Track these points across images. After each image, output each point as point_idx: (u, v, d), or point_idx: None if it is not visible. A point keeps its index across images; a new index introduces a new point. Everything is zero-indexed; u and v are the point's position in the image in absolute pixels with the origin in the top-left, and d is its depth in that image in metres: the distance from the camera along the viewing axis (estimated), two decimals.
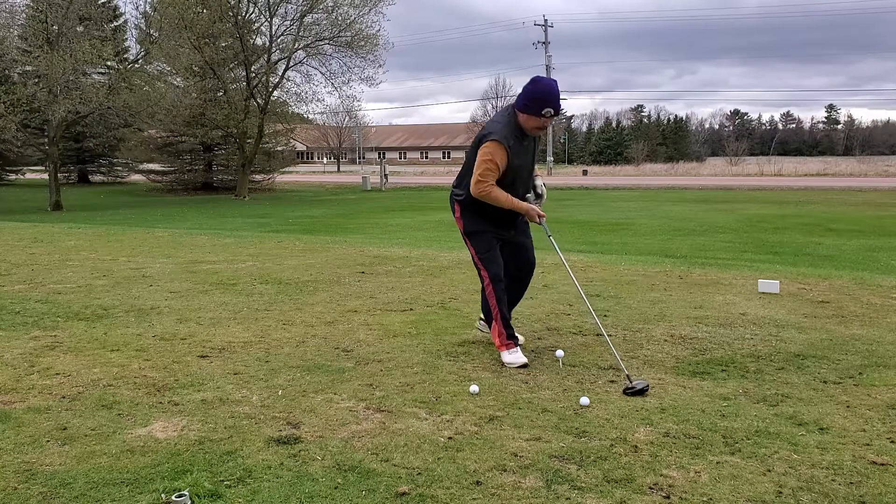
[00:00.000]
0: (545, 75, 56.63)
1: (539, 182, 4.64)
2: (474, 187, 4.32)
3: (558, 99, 4.25)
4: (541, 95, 4.17)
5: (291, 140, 38.30)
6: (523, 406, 3.48)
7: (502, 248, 4.55)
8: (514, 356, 4.20)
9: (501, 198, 4.28)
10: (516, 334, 4.37)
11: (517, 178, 4.38)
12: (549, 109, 4.17)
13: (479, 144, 4.34)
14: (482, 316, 4.69)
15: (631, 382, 3.70)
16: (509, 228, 4.58)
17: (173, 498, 2.51)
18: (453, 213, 4.68)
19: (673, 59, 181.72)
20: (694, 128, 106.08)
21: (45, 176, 27.82)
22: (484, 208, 4.40)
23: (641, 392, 3.64)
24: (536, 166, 4.69)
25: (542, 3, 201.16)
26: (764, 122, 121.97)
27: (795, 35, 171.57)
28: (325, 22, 26.86)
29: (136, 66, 26.32)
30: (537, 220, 4.44)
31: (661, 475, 2.73)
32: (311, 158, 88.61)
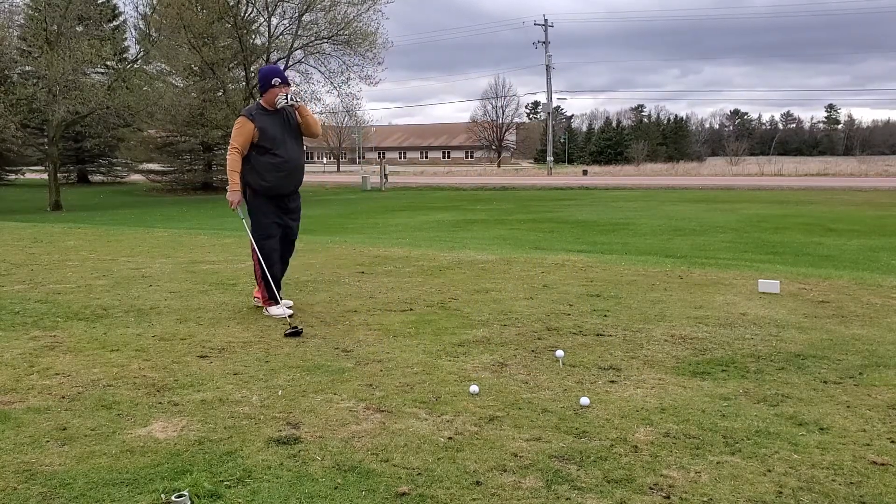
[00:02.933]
0: (545, 75, 55.91)
1: None
2: None
3: (280, 73, 5.49)
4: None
5: None
6: (523, 406, 3.48)
7: None
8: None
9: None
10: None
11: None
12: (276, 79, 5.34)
13: None
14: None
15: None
16: None
17: (173, 498, 2.51)
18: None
19: (678, 59, 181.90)
20: (694, 128, 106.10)
21: (45, 176, 27.84)
22: None
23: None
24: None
25: (550, 2, 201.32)
26: (764, 121, 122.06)
27: (801, 34, 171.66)
28: (323, 21, 26.88)
29: (136, 65, 26.30)
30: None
31: (662, 475, 2.73)
32: (311, 158, 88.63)
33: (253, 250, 5.54)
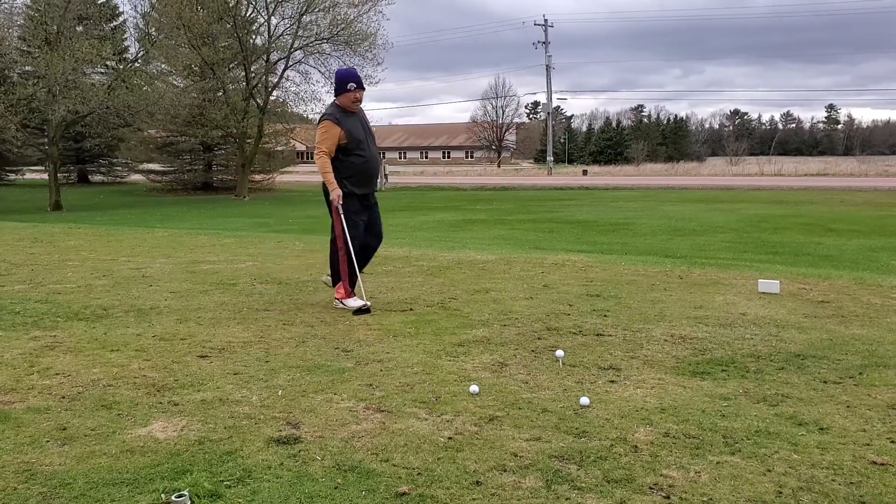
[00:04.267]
0: (545, 75, 55.86)
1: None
2: None
3: (355, 76, 5.59)
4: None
5: (291, 140, 38.27)
6: (523, 406, 3.48)
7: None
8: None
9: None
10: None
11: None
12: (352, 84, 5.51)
13: None
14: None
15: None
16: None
17: (173, 498, 2.51)
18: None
19: (679, 59, 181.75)
20: (694, 128, 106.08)
21: (45, 176, 27.84)
22: None
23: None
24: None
25: (551, 2, 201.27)
26: (764, 121, 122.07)
27: (803, 34, 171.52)
28: (323, 21, 26.88)
29: (136, 65, 26.30)
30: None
31: (661, 475, 2.73)
32: (311, 158, 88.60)
33: (337, 249, 5.65)
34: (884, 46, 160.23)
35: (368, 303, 5.60)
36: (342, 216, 5.63)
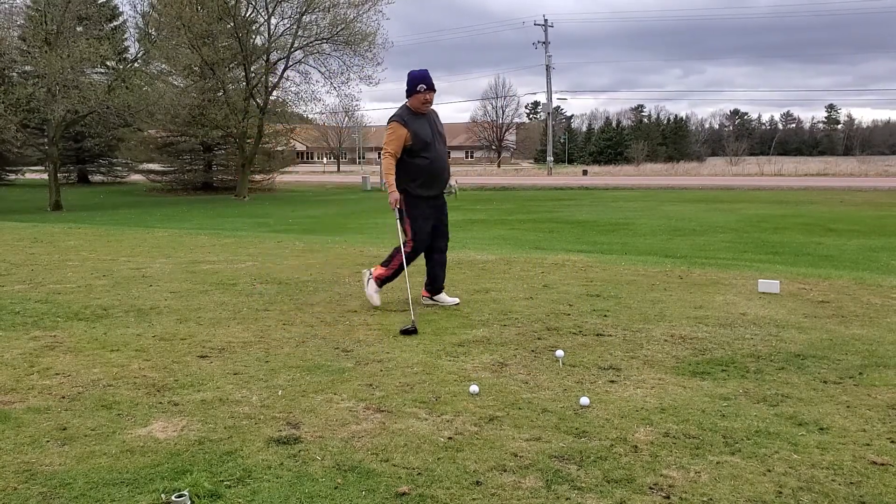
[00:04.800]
0: (545, 75, 55.95)
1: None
2: None
3: (426, 78, 5.50)
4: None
5: (291, 140, 38.30)
6: (523, 406, 3.48)
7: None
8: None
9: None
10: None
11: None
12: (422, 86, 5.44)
13: None
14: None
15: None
16: None
17: (173, 498, 2.51)
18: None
19: (680, 59, 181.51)
20: (694, 128, 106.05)
21: (45, 176, 27.84)
22: None
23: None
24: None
25: (553, 2, 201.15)
26: (764, 121, 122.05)
27: (803, 34, 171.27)
28: (323, 21, 26.88)
29: (136, 65, 26.30)
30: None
31: (661, 475, 2.73)
32: (311, 158, 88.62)
33: (402, 248, 5.66)
34: (884, 46, 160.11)
35: (378, 303, 5.66)
36: (407, 219, 5.62)
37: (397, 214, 5.68)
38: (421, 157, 5.53)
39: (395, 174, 5.57)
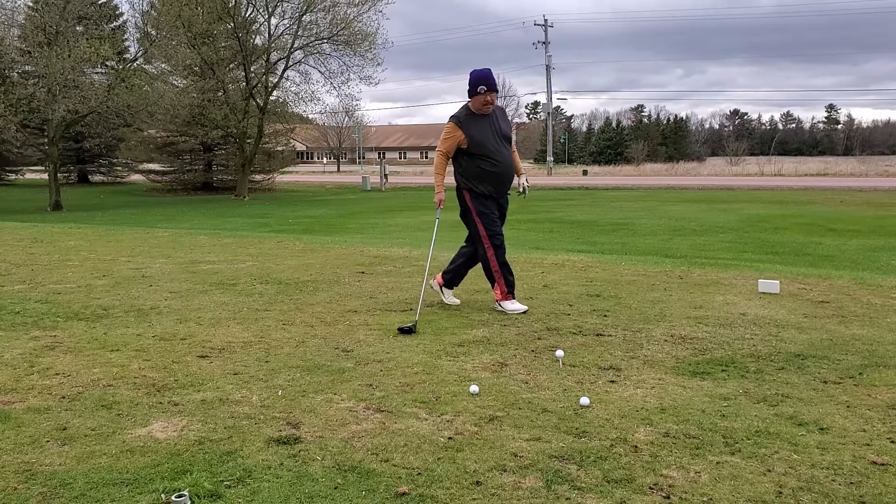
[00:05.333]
0: (545, 75, 55.92)
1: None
2: None
3: (486, 78, 5.40)
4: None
5: (291, 140, 38.29)
6: (523, 406, 3.48)
7: None
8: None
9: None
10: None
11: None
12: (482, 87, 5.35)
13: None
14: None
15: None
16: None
17: (173, 498, 2.51)
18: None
19: (682, 59, 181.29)
20: (694, 128, 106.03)
21: (45, 176, 27.83)
22: None
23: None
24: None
25: (554, 2, 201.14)
26: (764, 121, 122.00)
27: (806, 34, 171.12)
28: (323, 21, 26.89)
29: (136, 65, 26.29)
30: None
31: (661, 475, 2.73)
32: (311, 158, 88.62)
33: (485, 250, 5.56)
34: (886, 46, 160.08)
35: (524, 308, 5.50)
36: (477, 218, 5.54)
37: (438, 214, 5.68)
38: (479, 158, 5.45)
39: (459, 173, 5.55)
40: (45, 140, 25.61)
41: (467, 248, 5.77)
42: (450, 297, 5.80)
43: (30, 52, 22.86)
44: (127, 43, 30.67)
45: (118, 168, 42.60)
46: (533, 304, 5.77)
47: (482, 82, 5.39)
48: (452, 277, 5.79)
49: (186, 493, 2.53)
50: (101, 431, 3.20)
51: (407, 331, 4.87)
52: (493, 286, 5.62)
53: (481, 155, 5.44)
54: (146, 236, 11.52)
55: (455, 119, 5.48)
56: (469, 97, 5.49)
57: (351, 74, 27.93)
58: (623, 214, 16.64)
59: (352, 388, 3.76)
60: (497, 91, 5.48)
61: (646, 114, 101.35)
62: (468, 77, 5.47)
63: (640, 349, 4.46)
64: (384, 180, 33.48)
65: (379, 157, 58.73)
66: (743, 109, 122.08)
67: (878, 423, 3.23)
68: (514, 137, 5.69)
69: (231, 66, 28.16)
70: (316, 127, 62.94)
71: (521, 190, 5.78)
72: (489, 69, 5.47)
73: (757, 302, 5.79)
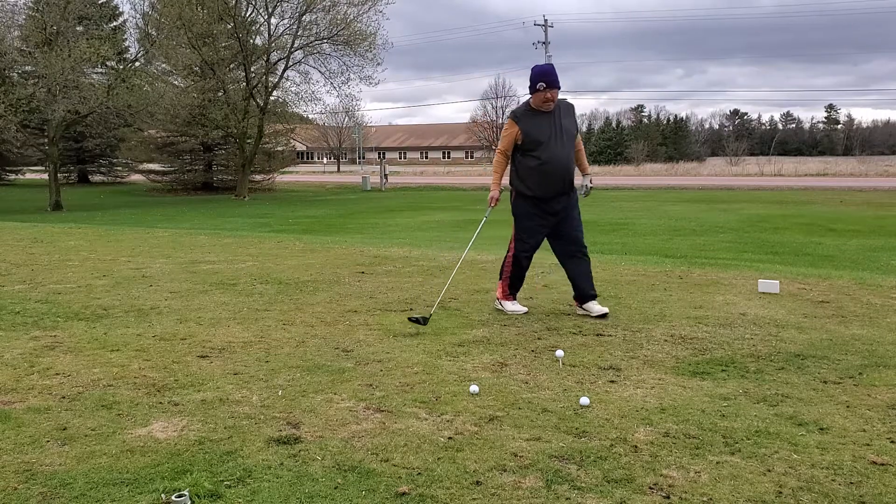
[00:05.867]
0: None
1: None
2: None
3: (546, 75, 5.22)
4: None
5: (291, 140, 38.30)
6: (523, 406, 3.48)
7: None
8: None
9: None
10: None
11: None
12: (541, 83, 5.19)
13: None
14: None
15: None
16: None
17: (173, 498, 2.51)
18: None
19: (683, 59, 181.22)
20: (694, 128, 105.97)
21: (45, 176, 27.84)
22: None
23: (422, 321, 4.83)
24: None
25: (555, 2, 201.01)
26: (764, 121, 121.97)
27: (807, 34, 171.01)
28: (323, 21, 26.90)
29: (136, 65, 26.30)
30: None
31: (661, 475, 2.73)
32: (311, 158, 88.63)
33: (508, 250, 5.56)
34: (886, 46, 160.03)
35: (524, 309, 5.47)
36: (514, 220, 5.46)
37: (487, 213, 5.61)
38: (531, 156, 5.28)
39: (511, 172, 5.44)
40: (45, 140, 25.63)
41: (566, 259, 5.54)
42: (594, 308, 5.38)
43: (30, 53, 22.88)
44: (127, 43, 30.70)
45: (118, 168, 42.62)
46: (533, 304, 5.77)
47: (542, 79, 5.21)
48: (578, 293, 5.46)
49: (186, 493, 2.54)
50: (101, 431, 3.20)
51: (416, 321, 4.90)
52: (499, 280, 5.62)
53: (533, 152, 5.28)
54: (146, 236, 11.52)
55: (512, 115, 5.41)
56: (530, 93, 5.33)
57: (351, 74, 27.98)
58: (623, 214, 16.64)
59: (352, 388, 3.76)
60: (558, 88, 5.25)
61: (646, 114, 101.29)
62: (530, 73, 5.31)
63: (640, 349, 4.46)
64: (384, 180, 33.48)
65: (379, 157, 58.76)
66: (743, 109, 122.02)
67: (878, 423, 3.23)
68: (579, 135, 5.48)
69: (231, 66, 28.17)
70: (316, 127, 62.92)
71: (582, 192, 5.53)
72: (551, 65, 5.34)
73: (757, 302, 5.79)
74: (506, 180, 5.51)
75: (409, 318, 4.97)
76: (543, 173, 5.28)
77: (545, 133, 5.26)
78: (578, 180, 5.50)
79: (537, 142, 5.26)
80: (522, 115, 5.34)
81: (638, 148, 73.45)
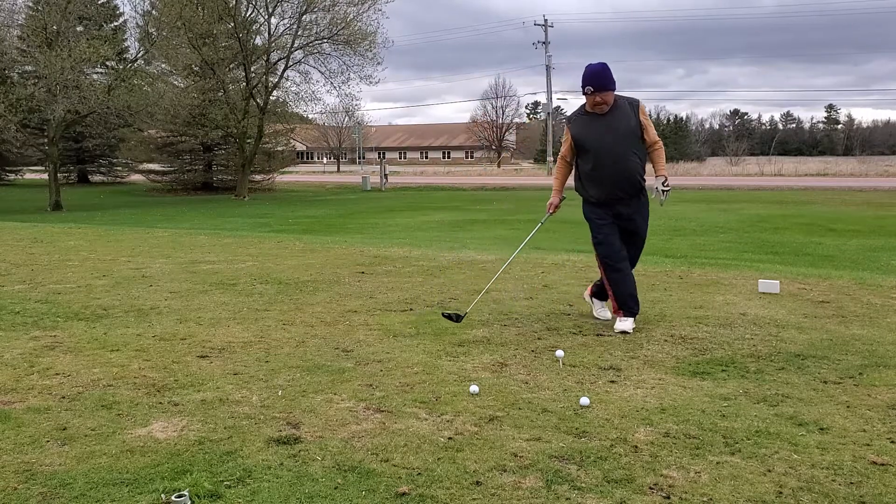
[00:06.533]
0: (546, 75, 55.60)
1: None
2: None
3: (591, 78, 4.90)
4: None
5: (291, 140, 38.30)
6: (523, 406, 3.48)
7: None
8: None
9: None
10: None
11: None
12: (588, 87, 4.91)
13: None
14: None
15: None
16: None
17: (173, 498, 2.51)
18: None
19: (683, 59, 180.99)
20: (694, 128, 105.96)
21: (45, 176, 27.83)
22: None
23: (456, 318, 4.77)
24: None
25: (556, 2, 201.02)
26: (764, 121, 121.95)
27: (808, 34, 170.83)
28: (323, 21, 26.90)
29: (136, 65, 26.30)
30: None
31: (661, 475, 2.73)
32: (311, 158, 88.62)
33: (597, 259, 5.24)
34: (887, 46, 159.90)
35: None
36: (588, 224, 5.18)
37: (543, 219, 5.48)
38: (584, 160, 5.07)
39: (574, 176, 5.23)
40: (45, 140, 25.62)
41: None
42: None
43: (30, 53, 22.88)
44: (127, 43, 30.69)
45: (118, 168, 42.60)
46: (533, 304, 5.77)
47: (587, 82, 4.91)
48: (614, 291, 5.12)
49: (186, 493, 2.53)
50: (101, 431, 3.20)
51: (449, 317, 4.97)
52: (605, 298, 5.24)
53: (586, 156, 5.04)
54: (146, 236, 11.52)
55: (567, 119, 5.26)
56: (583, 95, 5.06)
57: (351, 74, 27.96)
58: None
59: (352, 388, 3.76)
60: (607, 90, 4.89)
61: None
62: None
63: (640, 349, 4.46)
64: (384, 180, 33.48)
65: (379, 157, 58.76)
66: (743, 109, 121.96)
67: (878, 423, 3.23)
68: (648, 134, 5.05)
69: (231, 66, 28.16)
70: (316, 127, 62.91)
71: (652, 194, 5.06)
72: (601, 65, 4.94)
73: (757, 302, 5.79)
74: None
75: (443, 314, 5.06)
76: (595, 178, 5.04)
77: (594, 137, 4.99)
78: (651, 181, 5.08)
79: (588, 146, 5.01)
80: (575, 119, 5.13)
81: None
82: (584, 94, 4.95)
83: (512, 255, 5.78)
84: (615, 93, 4.98)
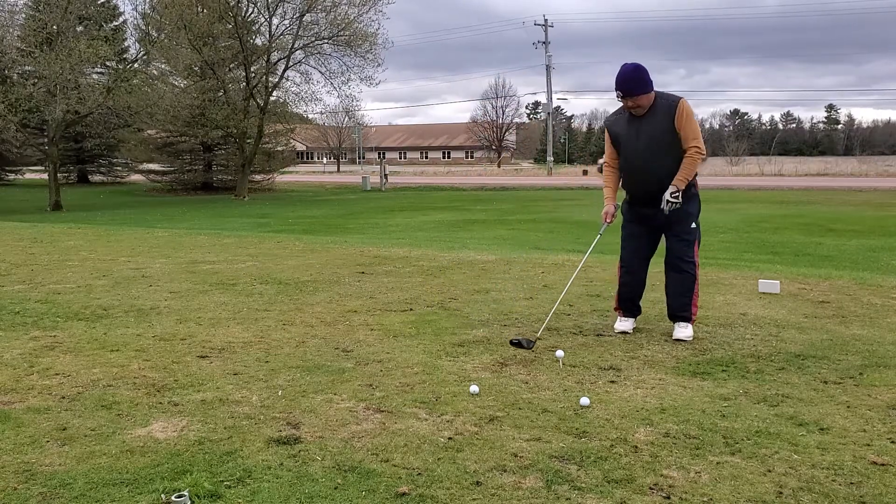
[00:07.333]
0: (546, 75, 55.47)
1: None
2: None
3: (619, 83, 4.74)
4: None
5: (291, 140, 38.29)
6: (523, 406, 3.48)
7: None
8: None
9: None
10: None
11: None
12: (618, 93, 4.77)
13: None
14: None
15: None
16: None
17: (173, 498, 2.51)
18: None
19: (684, 59, 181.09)
20: None
21: (45, 176, 27.84)
22: None
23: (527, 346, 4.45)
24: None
25: (556, 2, 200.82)
26: (764, 121, 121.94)
27: (809, 34, 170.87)
28: (324, 21, 26.90)
29: (136, 65, 26.29)
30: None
31: (662, 475, 2.73)
32: (311, 158, 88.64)
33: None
34: (888, 46, 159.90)
35: (629, 328, 4.94)
36: (622, 228, 5.13)
37: (601, 230, 5.24)
38: (620, 156, 4.97)
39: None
40: (45, 140, 25.62)
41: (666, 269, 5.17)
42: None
43: (30, 53, 22.86)
44: (127, 43, 30.69)
45: (118, 168, 42.60)
46: (533, 304, 5.77)
47: (616, 87, 4.74)
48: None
49: (186, 493, 2.53)
50: (101, 431, 3.20)
51: (518, 344, 4.48)
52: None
53: (621, 154, 4.95)
54: (146, 236, 11.52)
55: (605, 120, 5.15)
56: None
57: (351, 75, 27.98)
58: None
59: (352, 388, 3.76)
60: (635, 94, 4.69)
61: None
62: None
63: (640, 349, 4.46)
64: (384, 180, 33.48)
65: (379, 158, 58.76)
66: (743, 109, 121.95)
67: (878, 423, 3.23)
68: (683, 139, 4.80)
69: (231, 66, 28.17)
70: (316, 127, 62.88)
71: (662, 204, 4.84)
72: (631, 68, 4.73)
73: (757, 302, 5.79)
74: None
75: (511, 342, 4.53)
76: (626, 177, 4.99)
77: (627, 137, 4.87)
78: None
79: (618, 144, 4.93)
80: (614, 118, 5.01)
81: None
82: (616, 98, 4.81)
83: (575, 272, 5.47)
84: (658, 91, 4.81)
